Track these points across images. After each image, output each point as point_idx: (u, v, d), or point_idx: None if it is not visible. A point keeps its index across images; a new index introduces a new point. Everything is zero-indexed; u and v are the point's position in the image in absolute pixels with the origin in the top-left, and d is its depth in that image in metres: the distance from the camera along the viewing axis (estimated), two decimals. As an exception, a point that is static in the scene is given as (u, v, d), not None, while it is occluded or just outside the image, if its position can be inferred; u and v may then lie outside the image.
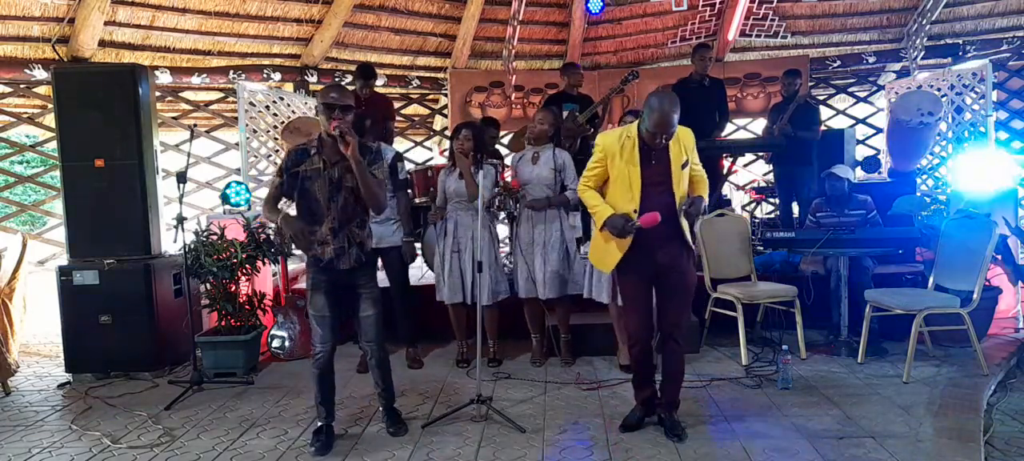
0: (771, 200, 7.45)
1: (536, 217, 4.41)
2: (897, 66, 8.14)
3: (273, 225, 3.29)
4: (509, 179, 4.70)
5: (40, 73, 6.28)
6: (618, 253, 3.22)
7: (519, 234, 4.49)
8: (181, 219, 4.25)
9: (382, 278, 4.76)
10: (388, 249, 4.52)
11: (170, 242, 4.58)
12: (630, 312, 3.35)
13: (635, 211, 3.15)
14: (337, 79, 7.70)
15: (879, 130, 8.28)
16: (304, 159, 3.23)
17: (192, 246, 4.44)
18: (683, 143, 3.23)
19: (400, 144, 8.56)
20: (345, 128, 3.10)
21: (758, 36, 8.13)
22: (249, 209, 5.26)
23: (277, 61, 7.48)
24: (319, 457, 3.23)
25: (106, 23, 6.30)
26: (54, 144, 5.25)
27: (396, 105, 7.94)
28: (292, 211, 3.39)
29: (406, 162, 4.92)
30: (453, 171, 4.47)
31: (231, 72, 7.15)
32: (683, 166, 3.21)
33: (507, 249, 5.76)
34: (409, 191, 4.81)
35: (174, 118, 7.48)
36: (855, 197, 4.87)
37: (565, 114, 5.96)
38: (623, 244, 3.20)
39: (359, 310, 3.36)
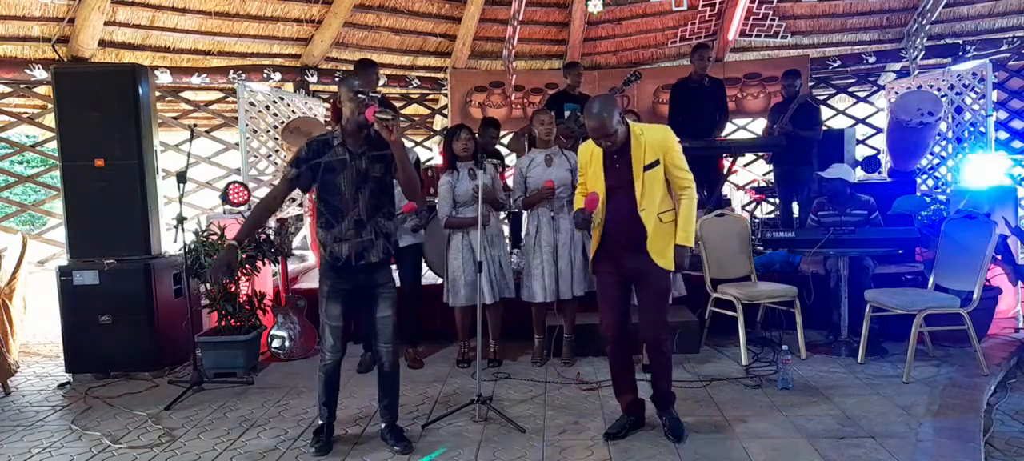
0: (771, 200, 7.45)
1: (557, 219, 4.40)
2: (897, 66, 8.14)
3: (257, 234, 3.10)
4: (509, 181, 4.70)
5: (40, 73, 6.28)
6: (592, 251, 3.37)
7: (539, 237, 4.43)
8: (181, 219, 4.25)
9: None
10: (406, 248, 4.50)
11: (170, 242, 4.58)
12: (601, 309, 3.38)
13: (602, 212, 3.24)
14: (337, 79, 7.71)
15: (879, 130, 8.28)
16: (326, 150, 3.09)
17: (192, 246, 4.44)
18: (647, 145, 3.15)
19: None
20: (387, 115, 2.98)
21: (758, 36, 8.13)
22: (249, 210, 5.26)
23: (277, 61, 7.48)
24: (320, 457, 3.22)
25: (106, 23, 6.30)
26: (54, 144, 5.24)
27: (396, 105, 7.94)
28: (289, 212, 3.33)
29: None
30: (455, 172, 4.46)
31: (231, 72, 7.15)
32: (647, 167, 3.15)
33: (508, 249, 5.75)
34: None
35: (174, 118, 7.48)
36: (858, 196, 4.87)
37: (566, 115, 5.97)
38: (594, 243, 3.32)
39: (377, 310, 3.24)
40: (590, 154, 3.31)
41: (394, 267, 4.56)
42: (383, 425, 3.36)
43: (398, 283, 4.59)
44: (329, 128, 3.21)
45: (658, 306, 3.26)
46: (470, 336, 4.61)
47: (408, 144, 8.80)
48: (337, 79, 7.67)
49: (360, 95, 3.05)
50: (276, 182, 6.55)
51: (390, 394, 3.34)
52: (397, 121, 3.04)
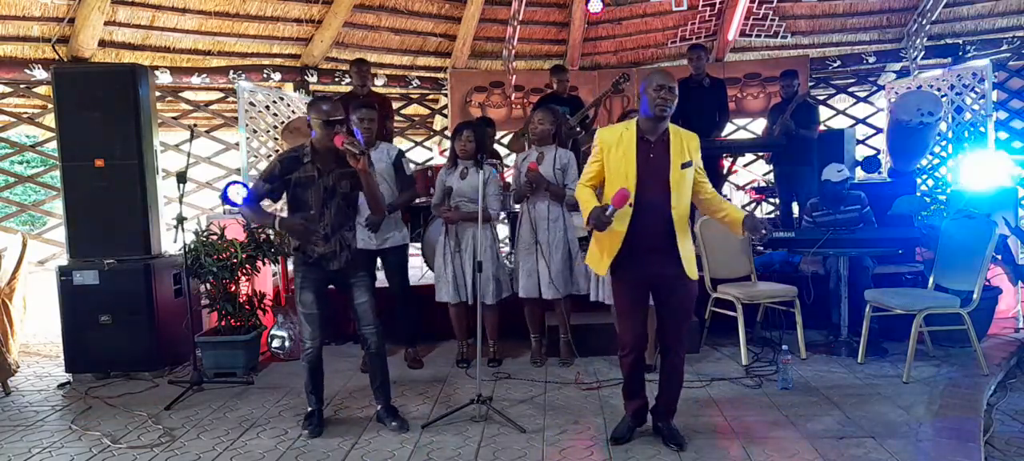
0: (771, 200, 7.45)
1: (540, 217, 4.39)
2: (897, 66, 8.14)
3: (267, 227, 3.36)
4: (509, 179, 4.70)
5: (40, 73, 6.28)
6: (609, 256, 3.08)
7: (521, 234, 4.47)
8: (181, 219, 4.25)
9: (382, 278, 4.79)
10: (390, 249, 4.52)
11: (170, 242, 4.58)
12: (622, 320, 3.22)
13: (630, 205, 2.99)
14: (337, 80, 7.70)
15: (879, 130, 8.28)
16: (297, 167, 3.28)
17: (192, 246, 4.44)
18: (685, 144, 3.06)
19: (399, 144, 8.56)
20: (355, 147, 3.16)
21: (758, 36, 8.13)
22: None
23: (277, 61, 7.48)
24: (314, 439, 3.38)
25: (106, 23, 6.30)
26: (54, 144, 5.24)
27: (396, 105, 7.94)
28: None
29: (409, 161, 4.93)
30: (453, 170, 4.47)
31: (231, 72, 7.15)
32: (684, 166, 3.03)
33: (506, 249, 5.76)
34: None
35: (174, 118, 7.48)
36: (850, 194, 4.87)
37: None
38: (613, 247, 3.05)
39: (354, 298, 3.45)
40: (619, 137, 3.06)
41: (381, 271, 4.62)
42: (378, 407, 3.55)
43: (387, 285, 4.64)
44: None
45: (684, 313, 3.16)
46: (465, 335, 4.62)
47: (408, 144, 8.85)
48: (312, 97, 7.67)
49: (330, 122, 3.22)
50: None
51: (380, 374, 3.54)
52: (365, 153, 3.20)
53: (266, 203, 3.42)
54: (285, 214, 3.45)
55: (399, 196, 4.39)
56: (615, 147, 3.06)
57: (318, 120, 3.25)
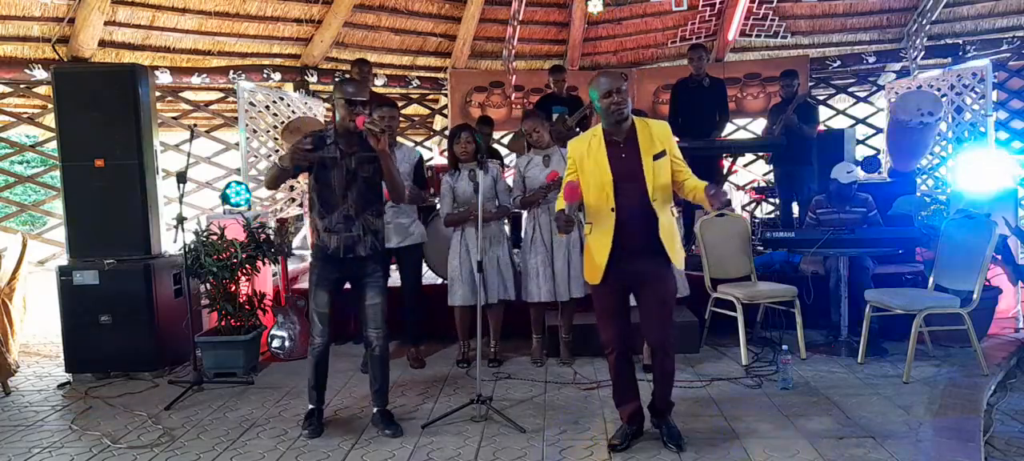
0: (771, 200, 7.46)
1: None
2: (897, 66, 8.14)
3: (277, 170, 3.26)
4: (509, 180, 4.69)
5: (40, 73, 6.28)
6: (602, 263, 3.08)
7: (537, 236, 4.44)
8: (181, 219, 4.25)
9: (394, 278, 4.79)
10: (407, 248, 4.50)
11: (170, 242, 4.58)
12: (602, 320, 3.21)
13: (612, 209, 3.03)
14: (337, 79, 7.70)
15: (879, 130, 8.29)
16: (322, 146, 3.31)
17: (192, 246, 4.44)
18: (654, 135, 3.06)
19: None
20: (376, 126, 3.19)
21: (758, 36, 8.14)
22: (249, 209, 5.26)
23: (277, 61, 7.49)
24: (314, 439, 3.39)
25: (106, 23, 6.30)
26: (54, 144, 5.24)
27: (397, 105, 7.94)
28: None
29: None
30: (457, 173, 4.45)
31: (231, 72, 7.15)
32: (656, 156, 3.03)
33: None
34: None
35: (174, 118, 7.48)
36: (857, 195, 4.87)
37: (554, 117, 5.96)
38: (603, 253, 3.06)
39: (366, 298, 3.44)
40: (587, 145, 3.12)
41: (395, 267, 4.60)
42: (375, 409, 3.54)
43: (400, 283, 4.63)
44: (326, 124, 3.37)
45: (666, 310, 3.13)
46: (469, 336, 4.60)
47: (409, 143, 8.84)
48: (337, 79, 7.66)
49: (352, 102, 3.24)
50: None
51: (380, 378, 3.53)
52: (386, 133, 3.22)
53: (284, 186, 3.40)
54: (310, 198, 3.43)
55: (413, 189, 4.38)
56: (587, 157, 3.13)
57: (342, 100, 3.25)
